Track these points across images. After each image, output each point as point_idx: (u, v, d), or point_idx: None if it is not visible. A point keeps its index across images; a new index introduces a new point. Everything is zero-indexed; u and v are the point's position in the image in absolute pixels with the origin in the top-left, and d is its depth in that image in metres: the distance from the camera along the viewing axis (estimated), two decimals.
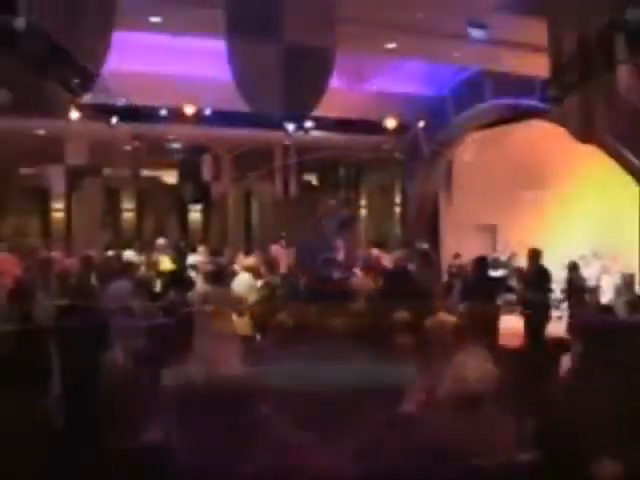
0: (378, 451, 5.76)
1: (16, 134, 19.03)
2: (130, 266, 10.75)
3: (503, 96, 17.21)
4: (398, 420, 6.80)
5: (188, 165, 21.40)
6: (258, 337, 9.74)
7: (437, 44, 13.33)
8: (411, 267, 12.48)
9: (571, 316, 12.73)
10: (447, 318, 8.97)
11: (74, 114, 16.18)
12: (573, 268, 14.71)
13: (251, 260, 13.38)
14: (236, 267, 13.29)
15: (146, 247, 18.82)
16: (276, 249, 15.44)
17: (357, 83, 18.01)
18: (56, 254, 13.49)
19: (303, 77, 9.05)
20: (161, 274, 12.18)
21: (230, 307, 10.23)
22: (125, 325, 9.88)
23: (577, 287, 14.60)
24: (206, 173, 20.78)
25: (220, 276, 10.67)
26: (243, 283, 11.86)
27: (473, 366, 7.09)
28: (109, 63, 8.30)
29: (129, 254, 14.97)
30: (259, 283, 12.29)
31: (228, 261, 13.92)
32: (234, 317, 10.46)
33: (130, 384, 6.43)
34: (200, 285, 11.30)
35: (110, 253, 15.03)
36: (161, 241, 15.12)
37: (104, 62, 8.27)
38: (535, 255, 12.84)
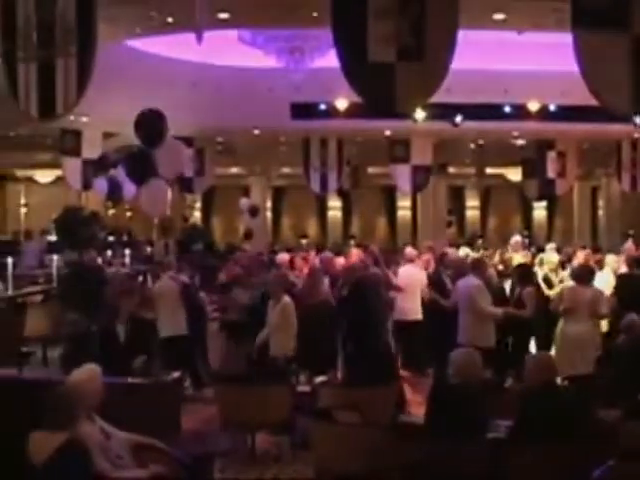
0: None
1: (365, 134, 19.84)
2: (480, 263, 10.76)
3: None
4: None
5: (532, 162, 21.17)
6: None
7: None
8: None
9: None
10: None
11: (420, 114, 16.59)
12: None
13: (615, 257, 12.91)
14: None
15: (488, 244, 18.90)
16: (630, 246, 14.80)
17: None
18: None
19: None
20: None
21: (586, 307, 9.91)
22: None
23: None
24: (551, 169, 20.42)
25: (584, 275, 10.33)
26: (605, 280, 11.49)
27: None
28: (455, 61, 8.41)
29: (465, 251, 14.98)
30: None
31: (566, 257, 13.55)
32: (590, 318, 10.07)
33: None
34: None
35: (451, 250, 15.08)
36: (517, 239, 14.97)
37: (450, 61, 8.39)
38: None
